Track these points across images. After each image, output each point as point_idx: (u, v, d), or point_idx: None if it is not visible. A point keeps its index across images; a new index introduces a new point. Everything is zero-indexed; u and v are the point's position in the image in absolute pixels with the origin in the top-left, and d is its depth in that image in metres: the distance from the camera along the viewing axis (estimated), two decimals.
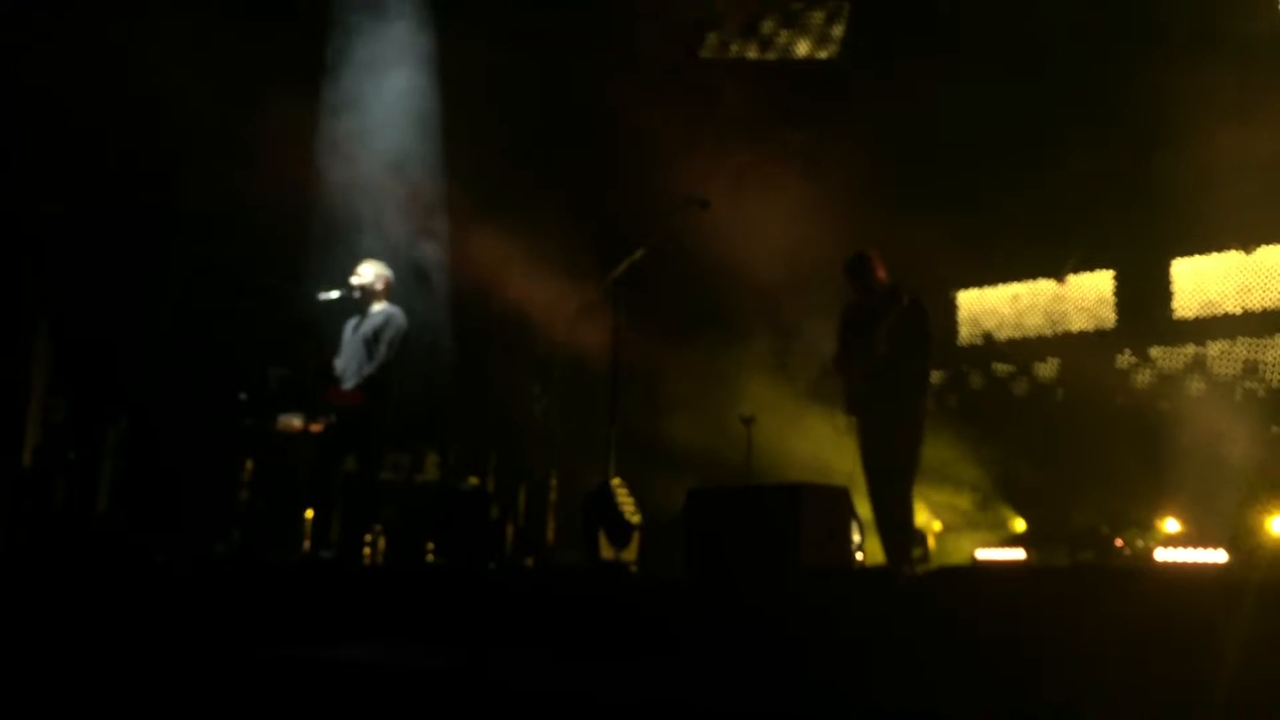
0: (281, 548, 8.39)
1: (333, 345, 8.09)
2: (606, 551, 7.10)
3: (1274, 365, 9.06)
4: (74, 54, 9.44)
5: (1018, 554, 9.09)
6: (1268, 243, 9.19)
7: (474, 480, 9.42)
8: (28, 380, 9.97)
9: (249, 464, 8.54)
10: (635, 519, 7.28)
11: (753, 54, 11.43)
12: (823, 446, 8.94)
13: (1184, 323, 9.61)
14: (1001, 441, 9.75)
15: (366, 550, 8.03)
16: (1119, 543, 8.62)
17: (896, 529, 6.77)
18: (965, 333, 10.79)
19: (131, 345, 10.42)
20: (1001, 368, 10.51)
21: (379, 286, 8.06)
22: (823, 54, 11.16)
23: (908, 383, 6.93)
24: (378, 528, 8.40)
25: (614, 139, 10.61)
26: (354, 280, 8.00)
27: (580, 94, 10.70)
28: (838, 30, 11.15)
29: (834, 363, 7.29)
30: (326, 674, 4.54)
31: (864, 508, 7.10)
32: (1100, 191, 9.48)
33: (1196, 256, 9.59)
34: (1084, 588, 4.40)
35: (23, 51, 9.52)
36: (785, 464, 9.39)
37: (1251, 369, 9.14)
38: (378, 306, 8.02)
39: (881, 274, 7.16)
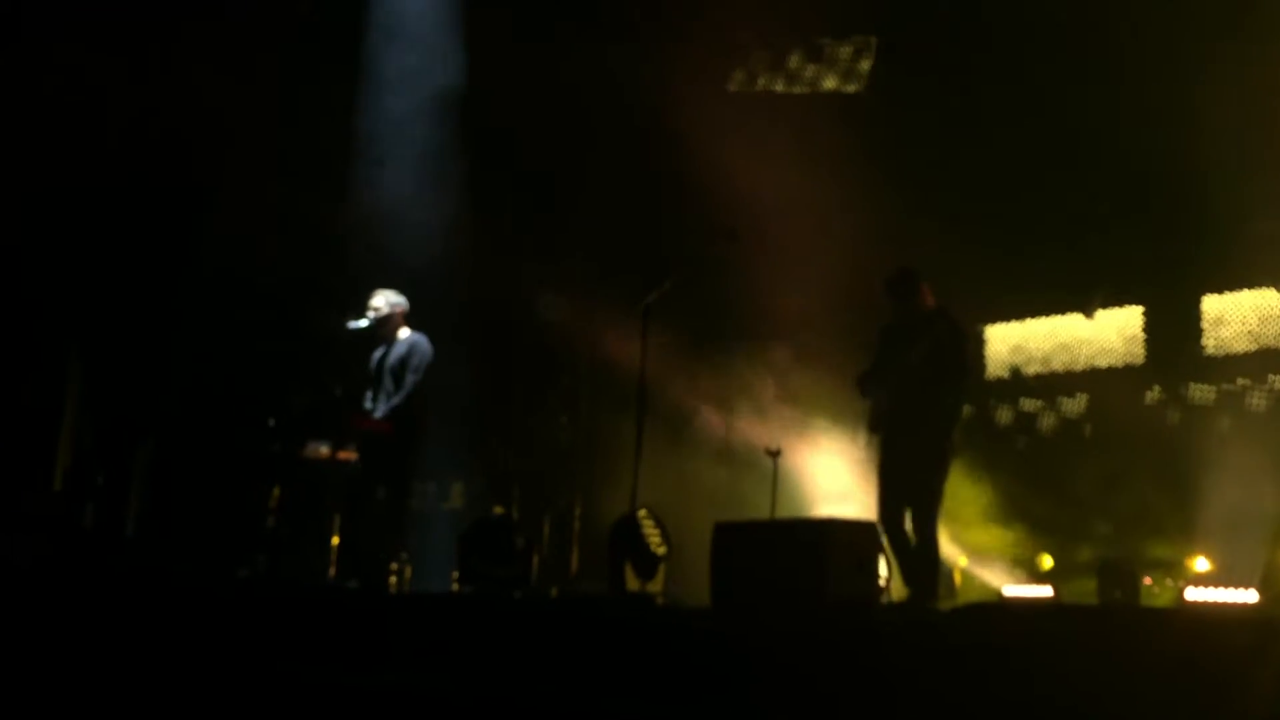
0: (307, 574, 8.42)
1: (361, 373, 8.12)
2: (632, 582, 7.10)
3: None
4: (113, 70, 9.58)
5: (1045, 591, 9.01)
6: None
7: (499, 509, 9.44)
8: (59, 404, 10.07)
9: (276, 490, 8.58)
10: (661, 551, 7.28)
11: (780, 88, 11.48)
12: (850, 479, 8.92)
13: (1214, 359, 9.53)
14: (1029, 477, 9.69)
15: (393, 579, 8.05)
16: (1148, 581, 8.55)
17: (923, 564, 6.69)
18: (993, 367, 10.75)
19: (161, 370, 10.50)
20: (1030, 403, 10.46)
21: (396, 314, 8.08)
22: (850, 88, 11.20)
23: (937, 410, 6.77)
24: (404, 556, 8.41)
25: (646, 167, 10.67)
26: (370, 311, 8.02)
27: (610, 120, 10.77)
28: (865, 65, 11.19)
29: (859, 380, 7.12)
30: (350, 701, 4.55)
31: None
32: (1130, 226, 9.45)
33: (1227, 293, 9.53)
34: (1112, 626, 4.37)
35: (62, 68, 9.67)
36: (812, 497, 9.38)
37: None
38: (403, 335, 8.05)
39: (927, 298, 7.00)
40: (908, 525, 6.78)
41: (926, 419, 6.74)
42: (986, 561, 9.44)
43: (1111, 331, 10.14)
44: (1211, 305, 9.64)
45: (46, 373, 10.22)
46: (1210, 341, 9.60)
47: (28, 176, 9.59)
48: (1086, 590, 8.51)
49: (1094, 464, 9.62)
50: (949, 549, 8.90)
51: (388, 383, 7.88)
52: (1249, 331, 9.41)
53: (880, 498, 6.89)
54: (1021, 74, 9.85)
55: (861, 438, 7.15)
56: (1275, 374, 9.15)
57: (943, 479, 6.78)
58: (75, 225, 10.32)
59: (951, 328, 6.86)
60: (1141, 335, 9.99)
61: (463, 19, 11.45)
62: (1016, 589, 9.16)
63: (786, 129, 10.00)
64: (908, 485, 6.79)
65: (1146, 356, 9.93)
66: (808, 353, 10.03)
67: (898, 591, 7.44)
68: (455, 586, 8.57)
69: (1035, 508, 9.45)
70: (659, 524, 7.46)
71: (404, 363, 7.88)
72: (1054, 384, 10.36)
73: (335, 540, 8.20)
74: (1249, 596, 7.50)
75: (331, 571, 8.15)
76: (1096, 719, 3.59)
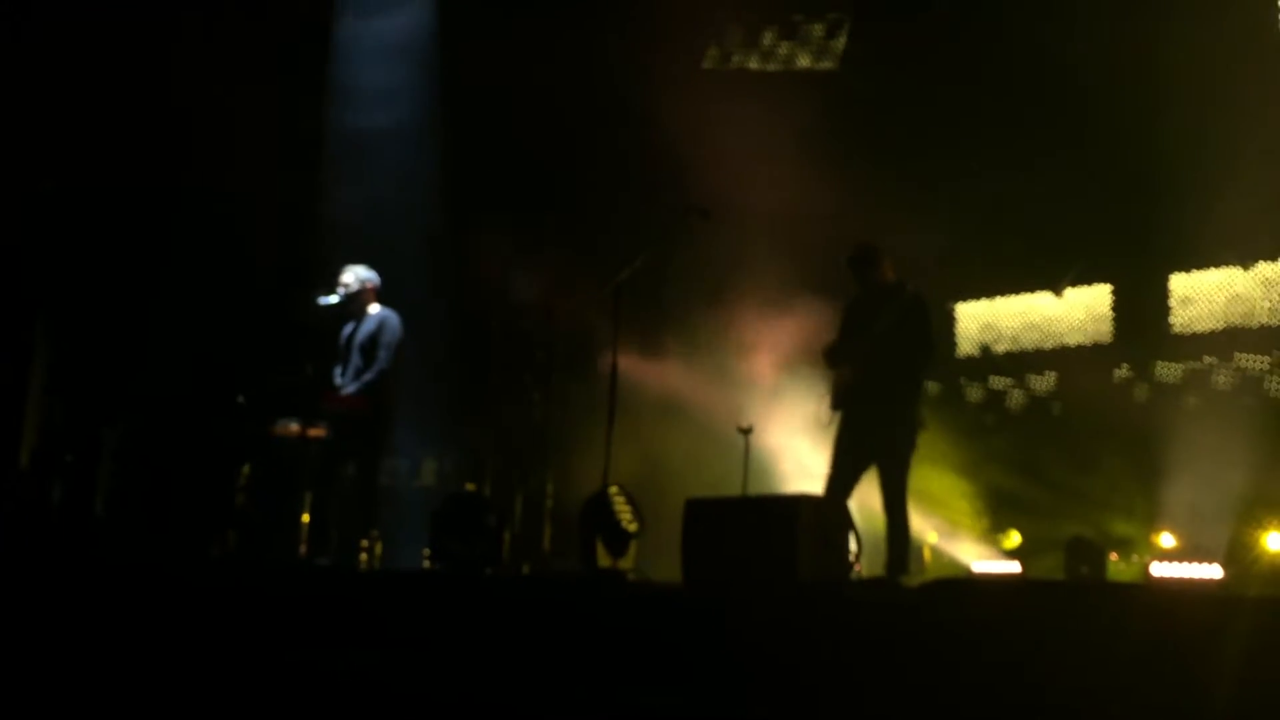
0: (278, 553, 8.39)
1: (332, 350, 8.09)
2: (604, 560, 7.10)
3: (1272, 381, 9.06)
4: (83, 48, 9.49)
5: (1013, 567, 9.10)
6: (1266, 259, 9.21)
7: (471, 486, 9.42)
8: (25, 382, 9.98)
9: (246, 468, 8.54)
10: (632, 527, 7.28)
11: (754, 66, 11.46)
12: (821, 455, 8.95)
13: (1182, 337, 9.61)
14: (997, 454, 9.75)
15: (364, 556, 8.03)
16: (1114, 557, 8.63)
17: (895, 538, 6.72)
18: (963, 345, 10.80)
19: (129, 348, 10.42)
20: (999, 381, 10.52)
21: (366, 290, 8.05)
22: (823, 66, 11.19)
23: (905, 382, 6.82)
24: (374, 533, 8.40)
25: (618, 144, 10.64)
26: (340, 287, 7.98)
27: (583, 98, 10.73)
28: (838, 44, 11.18)
29: (825, 353, 7.16)
30: (322, 681, 4.55)
31: (858, 517, 7.06)
32: (1099, 205, 9.50)
33: (1195, 272, 9.60)
34: (1079, 601, 4.42)
35: (35, 48, 9.58)
36: (784, 473, 9.41)
37: (1249, 384, 9.14)
38: (373, 310, 8.02)
39: (889, 271, 7.04)
40: (860, 503, 6.84)
41: (894, 391, 6.78)
42: (955, 538, 9.51)
43: (1080, 310, 10.20)
44: (1179, 284, 9.71)
45: (12, 352, 10.12)
46: (1178, 320, 9.68)
47: None
48: (1054, 566, 8.59)
49: (1062, 441, 9.70)
50: (918, 525, 8.96)
51: (356, 358, 7.85)
52: (1216, 310, 9.49)
53: (832, 470, 6.89)
54: (992, 55, 9.88)
55: (824, 413, 7.10)
56: (1241, 352, 9.24)
57: (911, 450, 6.81)
58: (43, 202, 10.22)
59: (915, 299, 6.89)
60: (1110, 314, 10.05)
61: None
62: (984, 565, 9.24)
63: (758, 106, 9.97)
64: (874, 458, 6.81)
65: (1115, 335, 10.00)
66: (778, 328, 10.04)
67: (869, 568, 7.49)
68: (426, 564, 8.56)
69: (1003, 484, 9.52)
70: (630, 501, 7.45)
71: (374, 339, 7.86)
72: (1023, 362, 10.42)
73: (305, 518, 8.17)
74: (1214, 572, 7.59)
75: (302, 549, 8.12)
76: (1063, 692, 3.63)
